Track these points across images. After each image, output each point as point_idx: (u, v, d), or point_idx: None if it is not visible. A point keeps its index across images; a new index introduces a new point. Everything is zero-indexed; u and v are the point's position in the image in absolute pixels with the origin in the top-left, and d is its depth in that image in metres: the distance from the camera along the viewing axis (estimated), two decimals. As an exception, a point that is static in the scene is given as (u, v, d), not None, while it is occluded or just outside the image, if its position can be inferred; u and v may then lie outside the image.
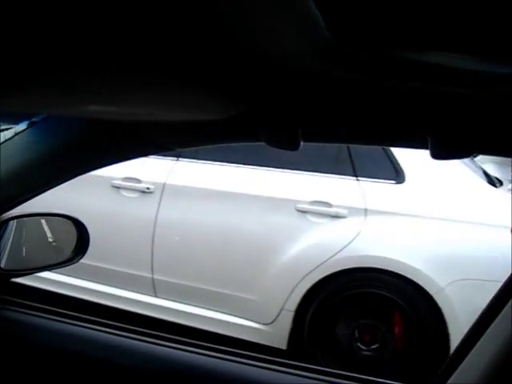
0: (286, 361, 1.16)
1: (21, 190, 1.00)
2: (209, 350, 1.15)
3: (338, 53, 0.50)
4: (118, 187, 3.09)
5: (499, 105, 0.60)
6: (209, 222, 2.94)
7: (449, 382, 1.00)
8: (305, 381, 1.10)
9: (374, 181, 2.82)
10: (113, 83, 0.49)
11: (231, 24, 0.41)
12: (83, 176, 3.24)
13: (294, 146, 0.74)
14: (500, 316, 0.92)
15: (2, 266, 1.21)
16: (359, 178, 2.82)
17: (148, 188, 3.04)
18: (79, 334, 1.19)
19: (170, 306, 3.02)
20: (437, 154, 0.68)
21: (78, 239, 1.27)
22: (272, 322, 2.85)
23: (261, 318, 2.88)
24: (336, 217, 2.79)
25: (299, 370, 1.12)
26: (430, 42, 0.49)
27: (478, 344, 0.94)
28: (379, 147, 2.69)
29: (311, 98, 0.68)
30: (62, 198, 2.90)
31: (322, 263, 2.75)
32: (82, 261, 3.29)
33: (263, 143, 0.76)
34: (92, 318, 1.26)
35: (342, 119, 0.72)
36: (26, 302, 1.26)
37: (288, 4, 0.39)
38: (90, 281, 3.13)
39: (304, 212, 2.81)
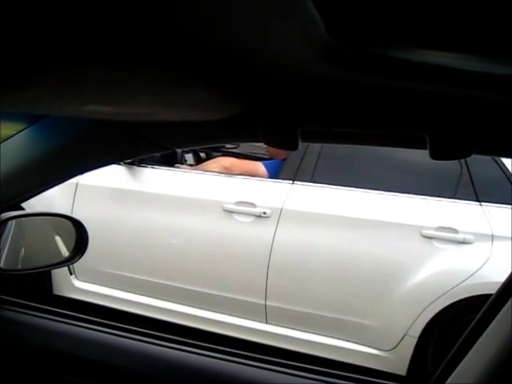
0: (284, 361, 1.16)
1: (21, 190, 1.00)
2: (207, 351, 1.15)
3: (337, 54, 0.50)
4: (230, 211, 2.99)
5: (499, 105, 0.61)
6: (328, 248, 2.85)
7: (448, 381, 1.00)
8: (303, 381, 1.10)
9: (497, 206, 2.74)
10: (113, 83, 0.49)
11: (231, 25, 0.41)
12: (193, 198, 3.20)
13: (293, 146, 0.75)
14: (499, 316, 0.92)
15: (1, 265, 1.21)
16: (482, 203, 2.76)
17: (264, 213, 2.93)
18: (77, 334, 1.19)
19: (284, 333, 2.95)
20: (436, 155, 0.69)
21: (76, 239, 1.27)
22: (393, 349, 2.81)
23: (381, 344, 2.83)
24: (463, 243, 2.73)
25: (297, 370, 1.13)
26: (430, 43, 0.50)
27: (477, 344, 0.94)
28: (498, 169, 2.73)
29: (310, 98, 0.68)
30: (170, 220, 3.06)
31: (450, 290, 2.72)
32: (192, 288, 3.20)
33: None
34: (90, 318, 1.26)
35: (341, 119, 0.72)
36: (25, 302, 1.26)
37: (287, 5, 0.39)
38: (202, 308, 3.06)
39: (429, 238, 2.75)
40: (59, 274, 3.19)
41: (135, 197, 3.14)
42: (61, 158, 0.94)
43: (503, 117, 0.64)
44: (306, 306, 2.88)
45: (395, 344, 2.79)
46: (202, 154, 3.88)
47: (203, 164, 3.41)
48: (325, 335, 2.89)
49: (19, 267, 1.33)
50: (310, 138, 0.77)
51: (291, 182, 2.96)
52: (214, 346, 1.18)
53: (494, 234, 2.70)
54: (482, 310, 0.96)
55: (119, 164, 3.11)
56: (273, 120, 0.72)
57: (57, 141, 0.92)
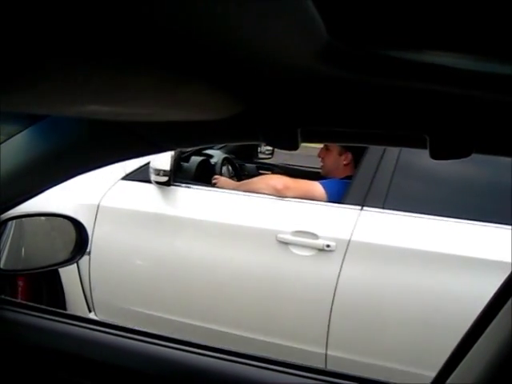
0: (286, 361, 1.16)
1: (21, 190, 1.00)
2: (208, 350, 1.15)
3: (337, 53, 0.50)
4: (286, 243, 2.46)
5: (499, 105, 0.61)
6: (404, 289, 2.32)
7: (448, 381, 1.00)
8: (304, 381, 1.10)
9: None
10: (113, 83, 0.49)
11: (231, 25, 0.41)
12: (239, 226, 2.58)
13: (293, 146, 0.75)
14: (500, 315, 0.92)
15: (1, 265, 1.21)
16: None
17: (328, 245, 2.41)
18: (77, 335, 1.19)
19: None
20: (436, 154, 0.69)
21: (76, 239, 1.27)
22: None
23: None
24: None
25: (299, 370, 1.13)
26: (430, 42, 0.50)
27: (478, 343, 0.94)
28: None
29: (310, 97, 0.68)
30: (211, 252, 2.54)
31: None
32: (236, 332, 2.56)
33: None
34: (90, 319, 1.26)
35: (342, 119, 0.72)
36: (24, 302, 1.26)
37: (287, 5, 0.39)
38: None
39: None
40: (76, 311, 2.73)
41: (168, 222, 2.64)
42: (61, 159, 0.94)
43: (503, 117, 0.64)
44: (375, 356, 2.37)
45: None
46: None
47: (247, 182, 2.83)
48: None
49: (19, 267, 1.34)
50: (311, 137, 0.77)
51: (360, 207, 2.44)
52: (215, 346, 1.18)
53: None
54: (482, 310, 0.96)
55: (149, 183, 2.66)
56: (273, 120, 0.72)
57: (57, 141, 0.92)
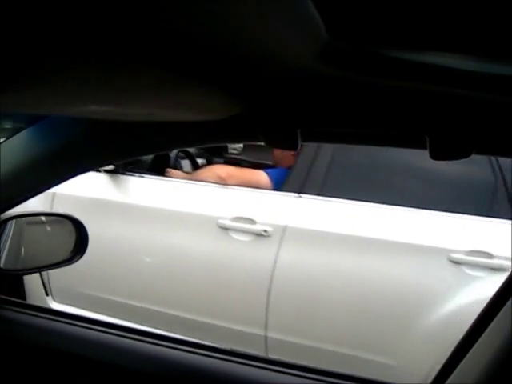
0: (285, 361, 1.16)
1: (21, 190, 1.00)
2: (207, 350, 1.15)
3: (337, 53, 0.50)
4: (226, 228, 2.58)
5: (499, 105, 0.61)
6: (339, 273, 2.42)
7: (448, 381, 1.00)
8: (303, 381, 1.10)
9: None
10: (113, 83, 0.49)
11: (231, 25, 0.41)
12: (183, 212, 2.66)
13: (293, 146, 0.75)
14: (499, 315, 0.92)
15: (1, 265, 1.21)
16: None
17: (265, 231, 2.52)
18: (76, 334, 1.19)
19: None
20: (436, 155, 0.69)
21: (76, 239, 1.27)
22: None
23: None
24: (499, 270, 2.24)
25: (298, 370, 1.13)
26: (430, 43, 0.50)
27: (478, 344, 0.94)
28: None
29: (310, 98, 0.68)
30: (157, 237, 2.67)
31: None
32: (180, 314, 2.66)
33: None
34: (89, 318, 1.26)
35: (341, 119, 0.72)
36: (24, 302, 1.26)
37: (287, 5, 0.39)
38: (193, 338, 2.41)
39: (459, 263, 2.30)
40: (34, 294, 2.85)
41: (118, 209, 2.78)
42: (61, 158, 0.94)
43: (503, 117, 0.64)
44: (313, 339, 2.47)
45: None
46: (202, 161, 3.56)
47: (196, 173, 3.02)
48: None
49: (19, 267, 1.33)
50: (311, 137, 0.77)
51: (297, 194, 2.56)
52: (214, 346, 1.18)
53: None
54: (482, 310, 0.96)
55: (99, 171, 2.80)
56: (273, 120, 0.72)
57: (57, 141, 0.92)
